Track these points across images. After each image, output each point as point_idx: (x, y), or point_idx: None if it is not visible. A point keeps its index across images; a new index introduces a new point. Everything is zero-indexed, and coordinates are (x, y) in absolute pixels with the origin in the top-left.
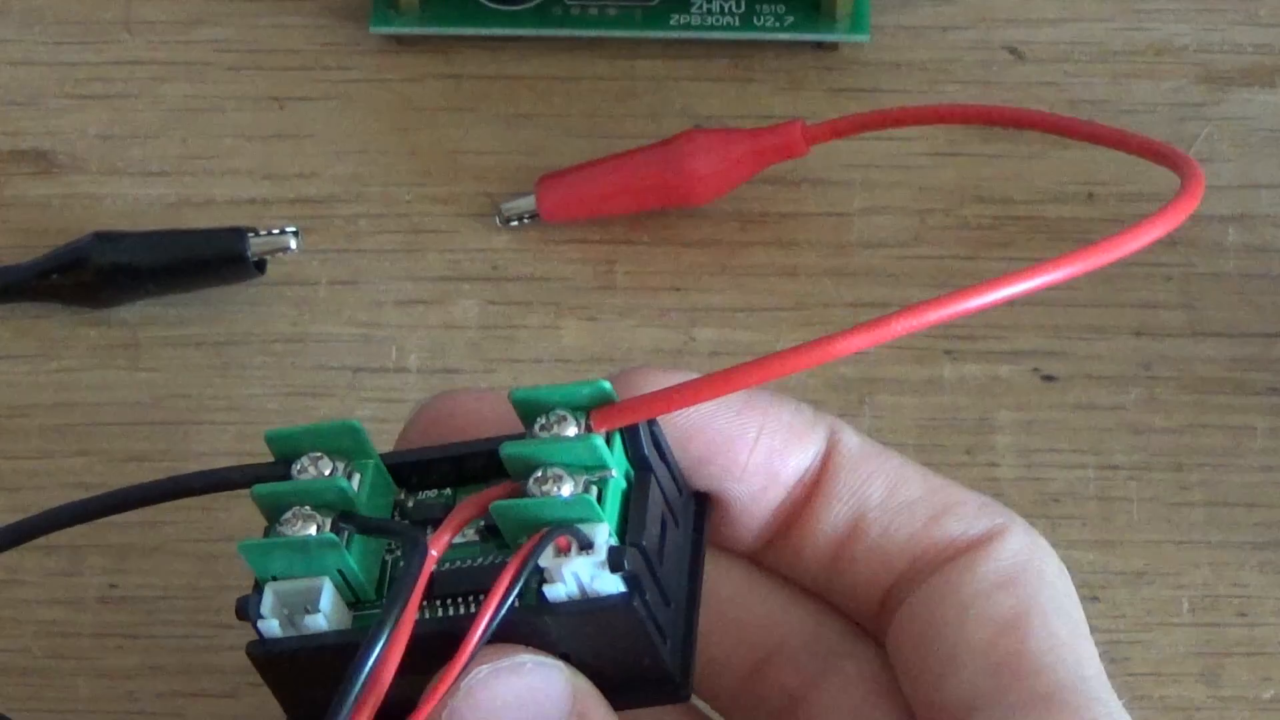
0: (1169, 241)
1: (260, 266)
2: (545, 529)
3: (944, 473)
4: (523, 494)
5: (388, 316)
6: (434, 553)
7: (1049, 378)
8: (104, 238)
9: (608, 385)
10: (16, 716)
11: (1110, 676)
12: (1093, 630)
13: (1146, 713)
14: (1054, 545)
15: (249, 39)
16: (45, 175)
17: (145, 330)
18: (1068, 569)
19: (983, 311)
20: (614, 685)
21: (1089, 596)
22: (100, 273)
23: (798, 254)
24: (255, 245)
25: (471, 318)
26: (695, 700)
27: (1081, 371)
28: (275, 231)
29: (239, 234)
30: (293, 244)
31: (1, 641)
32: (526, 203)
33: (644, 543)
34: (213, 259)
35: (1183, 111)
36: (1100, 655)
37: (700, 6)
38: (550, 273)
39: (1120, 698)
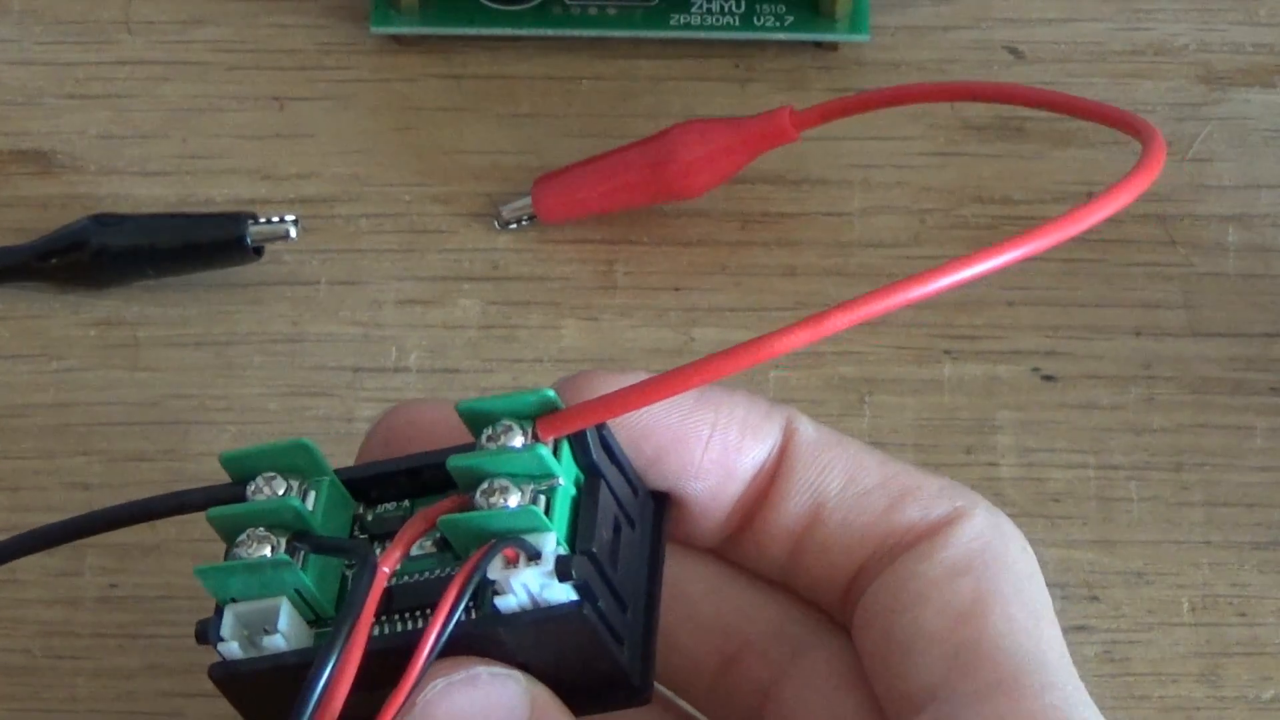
0: (1169, 241)
1: (258, 251)
2: (491, 541)
3: (944, 473)
4: (471, 507)
5: (388, 316)
6: (385, 569)
7: (1049, 378)
8: (102, 220)
9: (552, 394)
10: (16, 716)
11: (1110, 676)
12: (1092, 630)
13: (1146, 713)
14: (1054, 545)
15: (249, 39)
16: (45, 175)
17: (145, 330)
18: (1068, 568)
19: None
20: (574, 692)
21: (1089, 596)
22: (99, 255)
23: (798, 254)
24: (254, 233)
25: (471, 318)
26: (675, 698)
27: (1081, 371)
28: (275, 220)
29: (238, 219)
30: (292, 232)
31: (1, 641)
32: (524, 204)
33: (594, 549)
34: (211, 243)
35: (1182, 111)
36: (1100, 655)
37: (700, 6)
38: (550, 273)
39: (1120, 697)
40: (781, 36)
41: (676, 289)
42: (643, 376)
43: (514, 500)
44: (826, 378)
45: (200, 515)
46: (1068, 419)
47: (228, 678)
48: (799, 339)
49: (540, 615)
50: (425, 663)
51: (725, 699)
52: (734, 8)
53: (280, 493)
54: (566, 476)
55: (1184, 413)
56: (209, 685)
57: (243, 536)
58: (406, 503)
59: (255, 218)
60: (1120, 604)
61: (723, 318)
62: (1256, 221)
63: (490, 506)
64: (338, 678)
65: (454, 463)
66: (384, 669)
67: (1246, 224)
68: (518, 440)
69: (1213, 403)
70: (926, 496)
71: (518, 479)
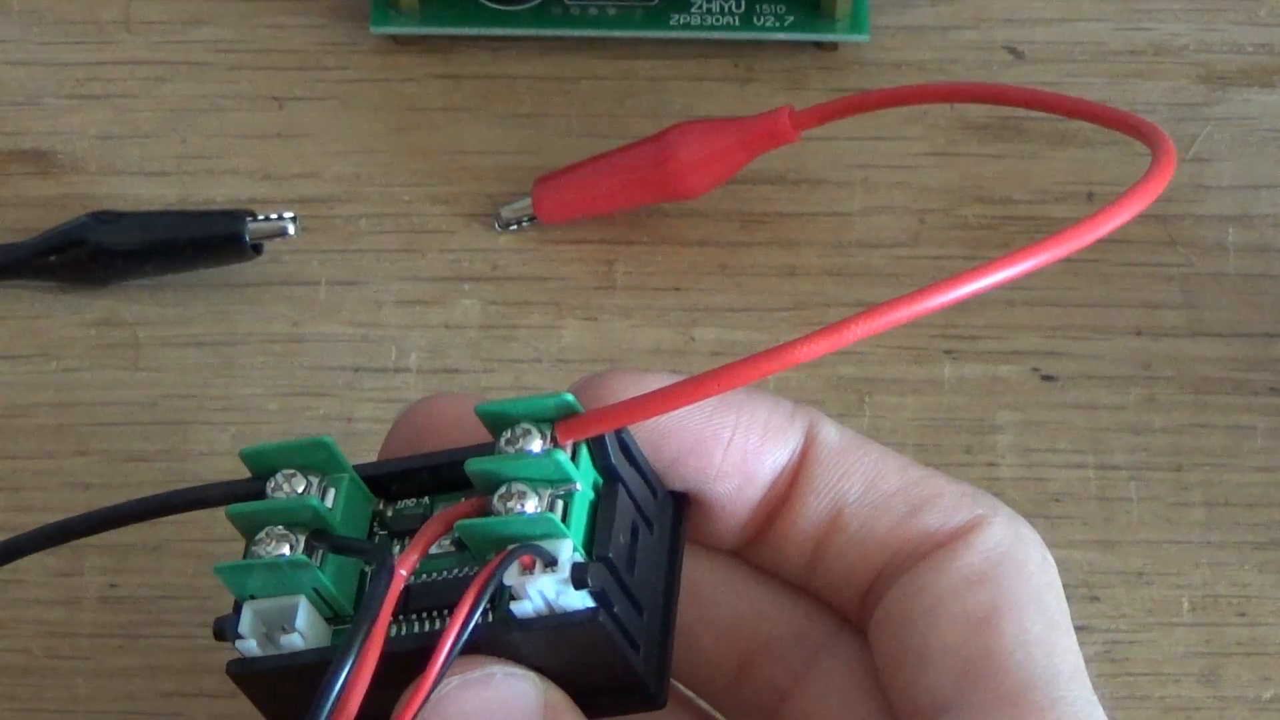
0: (1169, 241)
1: (257, 249)
2: (509, 548)
3: (944, 473)
4: (488, 510)
5: (388, 316)
6: (402, 572)
7: (1049, 378)
8: (101, 218)
9: (571, 398)
10: (16, 716)
11: (1110, 676)
12: (1092, 630)
13: (1147, 713)
14: (1054, 545)
15: (249, 39)
16: (45, 175)
17: (145, 330)
18: (1068, 568)
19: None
20: (588, 694)
21: (1089, 596)
22: (97, 252)
23: (798, 254)
24: (253, 230)
25: (471, 318)
26: (693, 696)
27: (1081, 371)
28: (274, 217)
29: (237, 216)
30: (290, 229)
31: (1, 641)
32: (524, 205)
33: (611, 554)
34: (210, 240)
35: (1182, 111)
36: (1100, 655)
37: (700, 6)
38: (550, 273)
39: (1120, 697)
40: (781, 36)
41: (676, 289)
42: (665, 378)
43: (531, 506)
44: (826, 378)
45: (202, 515)
46: (1068, 419)
47: (245, 675)
48: (821, 346)
49: (556, 621)
50: (442, 666)
51: (742, 699)
52: (734, 8)
53: (300, 491)
54: (584, 481)
55: (1184, 413)
56: (209, 685)
57: (261, 534)
58: (426, 499)
59: (254, 215)
60: (1120, 604)
61: (723, 318)
62: (1256, 221)
63: (508, 512)
64: (354, 679)
65: (472, 466)
66: (400, 669)
67: (1246, 224)
68: (536, 444)
69: (1213, 403)
70: (947, 503)
71: (535, 484)
